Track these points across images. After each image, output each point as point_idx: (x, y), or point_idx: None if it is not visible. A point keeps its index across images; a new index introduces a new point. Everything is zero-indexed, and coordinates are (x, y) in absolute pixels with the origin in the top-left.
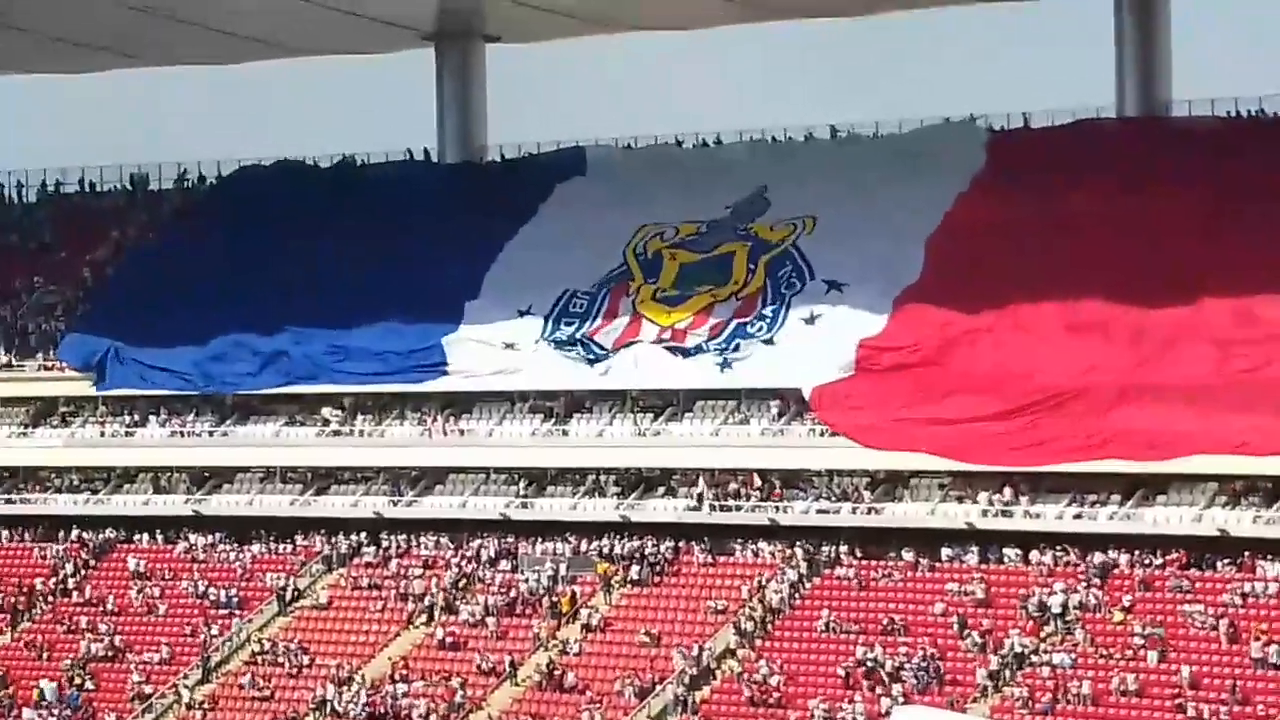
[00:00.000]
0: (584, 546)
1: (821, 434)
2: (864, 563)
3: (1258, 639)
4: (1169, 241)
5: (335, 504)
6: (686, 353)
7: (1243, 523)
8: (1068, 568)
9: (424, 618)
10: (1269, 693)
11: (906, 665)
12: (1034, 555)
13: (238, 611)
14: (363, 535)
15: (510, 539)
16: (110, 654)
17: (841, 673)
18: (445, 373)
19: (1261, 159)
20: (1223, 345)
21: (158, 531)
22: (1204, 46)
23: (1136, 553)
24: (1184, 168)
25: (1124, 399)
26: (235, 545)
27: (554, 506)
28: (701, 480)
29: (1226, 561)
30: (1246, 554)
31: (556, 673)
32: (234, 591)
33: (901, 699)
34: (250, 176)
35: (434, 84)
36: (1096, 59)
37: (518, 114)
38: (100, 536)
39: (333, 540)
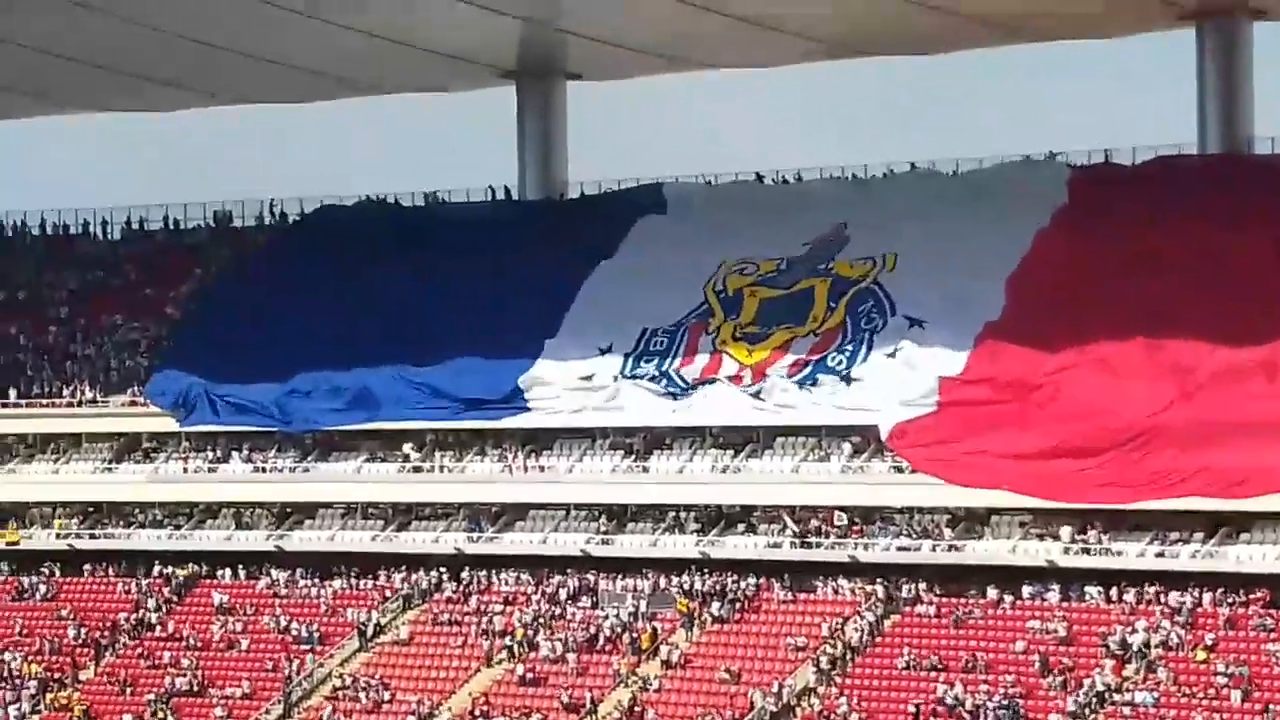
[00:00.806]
0: (664, 583)
1: (901, 470)
2: (944, 600)
3: None
4: (1250, 279)
5: (416, 540)
6: (767, 390)
7: None
8: (1150, 606)
9: (505, 654)
10: None
11: (987, 704)
12: (1115, 593)
13: (319, 647)
14: (443, 571)
15: (590, 575)
16: (193, 689)
17: (922, 711)
18: (525, 409)
19: None
20: None
21: (240, 567)
22: None
23: (1219, 591)
24: (1266, 205)
25: (1206, 437)
26: (317, 580)
27: (634, 543)
28: (786, 517)
29: None
30: None
31: (637, 709)
32: (315, 627)
33: None
34: (332, 214)
35: (515, 121)
36: (1178, 96)
37: (598, 151)
38: (183, 571)
39: (413, 576)
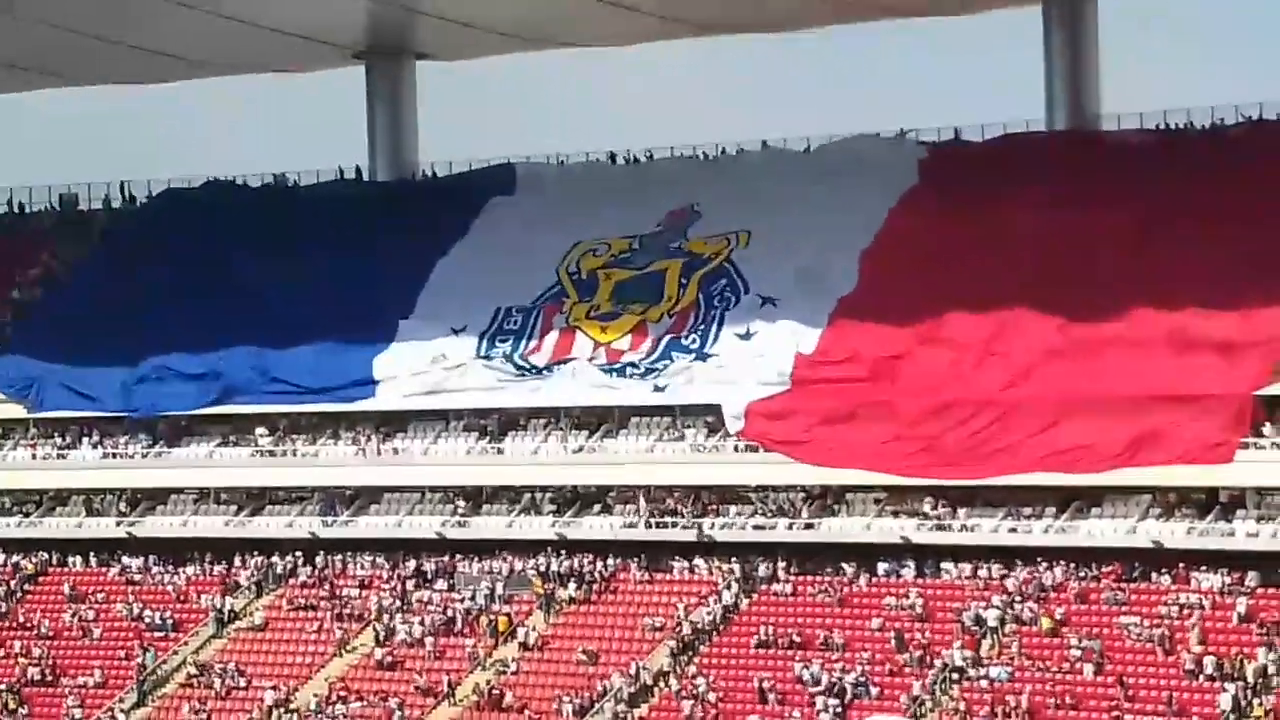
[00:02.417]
0: (520, 565)
1: (755, 449)
2: (800, 578)
3: (1191, 651)
4: (1100, 255)
5: (270, 524)
6: (620, 370)
7: (1176, 534)
8: (1004, 581)
9: (360, 638)
10: (1204, 704)
11: (844, 681)
12: (970, 569)
13: (173, 634)
14: (298, 555)
15: (446, 558)
16: (44, 678)
17: (779, 689)
18: (378, 392)
19: (1190, 172)
20: (1153, 359)
21: (91, 554)
22: (1133, 60)
23: (1072, 565)
24: (1114, 181)
25: (1057, 413)
26: (170, 567)
27: (490, 525)
28: (641, 498)
29: (1161, 573)
30: (1181, 565)
31: (495, 692)
32: (169, 614)
33: (840, 714)
34: (179, 196)
35: (365, 102)
36: (1026, 73)
37: (449, 132)
38: (33, 559)
39: (268, 561)
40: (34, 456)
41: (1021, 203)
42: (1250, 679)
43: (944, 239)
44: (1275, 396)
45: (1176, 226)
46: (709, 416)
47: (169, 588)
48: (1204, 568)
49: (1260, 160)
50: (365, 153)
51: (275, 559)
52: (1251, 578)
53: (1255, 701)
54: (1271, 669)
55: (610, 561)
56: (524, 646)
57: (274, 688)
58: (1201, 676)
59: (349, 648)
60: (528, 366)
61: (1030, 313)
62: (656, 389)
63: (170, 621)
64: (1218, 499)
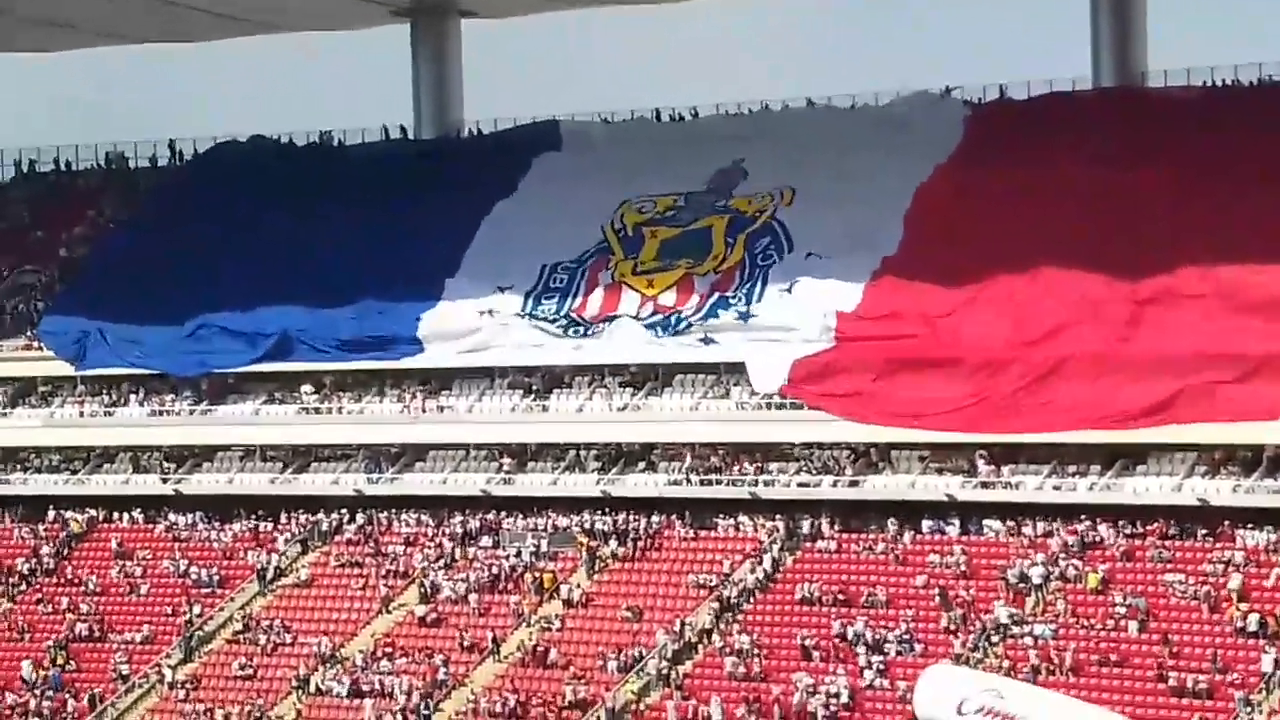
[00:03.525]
0: (565, 522)
1: (801, 407)
2: (845, 535)
3: (1238, 609)
4: (1147, 212)
5: (315, 481)
6: (666, 326)
7: (1222, 492)
8: (1048, 538)
9: (405, 595)
10: (1248, 661)
11: (888, 638)
12: (1014, 526)
13: (219, 590)
14: (344, 512)
15: (491, 515)
16: (92, 634)
17: (823, 646)
18: (423, 349)
19: (1238, 128)
20: (1200, 316)
21: (138, 510)
22: (1181, 16)
23: (1117, 523)
24: (1161, 137)
25: (1104, 370)
26: (216, 524)
27: (534, 482)
28: (686, 455)
29: (1206, 531)
30: (1226, 523)
31: (539, 649)
32: (215, 570)
33: (884, 671)
34: (226, 153)
35: (409, 60)
36: (1072, 29)
37: (495, 89)
38: (81, 516)
39: (314, 518)
40: (81, 414)
41: (1068, 159)
42: None
43: (989, 196)
44: None
45: (1224, 182)
46: None
47: (215, 544)
48: (1250, 525)
49: None
50: (410, 111)
51: (320, 516)
52: None
53: None
54: None
55: (654, 519)
56: (568, 604)
57: (319, 643)
58: (1246, 634)
59: (394, 604)
60: (574, 323)
61: (1076, 271)
62: (706, 341)
63: (216, 578)
64: (1264, 456)
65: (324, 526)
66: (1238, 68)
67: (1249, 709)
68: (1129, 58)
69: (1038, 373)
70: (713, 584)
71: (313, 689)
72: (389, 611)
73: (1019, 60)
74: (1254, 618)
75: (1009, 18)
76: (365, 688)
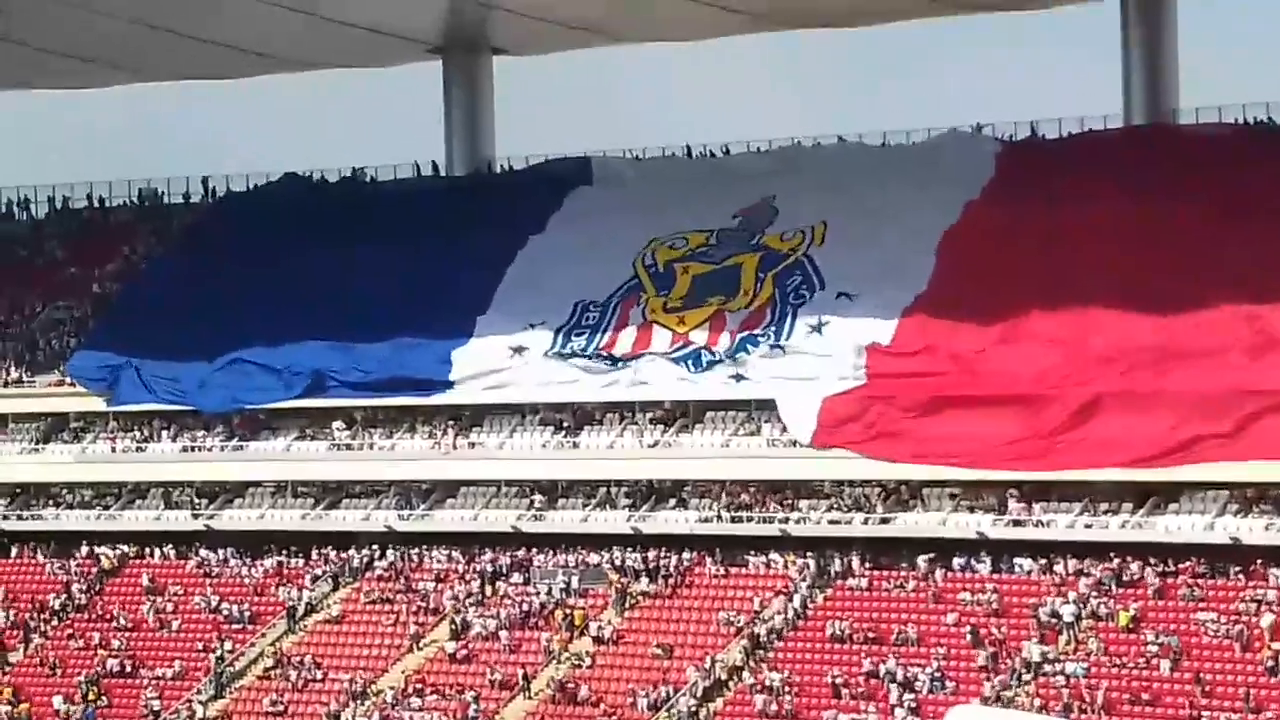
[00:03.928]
0: (595, 558)
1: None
2: (876, 573)
3: (1270, 648)
4: (1178, 249)
5: (346, 518)
6: (697, 363)
7: (1254, 530)
8: (1080, 577)
9: (436, 631)
10: None
11: (920, 676)
12: (1046, 564)
13: (250, 626)
14: (374, 549)
15: (522, 552)
16: (124, 670)
17: (853, 683)
18: (455, 386)
19: (1270, 165)
20: (1232, 354)
21: (169, 546)
22: (1212, 55)
23: (1150, 561)
24: (1191, 175)
25: (1136, 408)
26: (247, 560)
27: (565, 519)
28: (717, 493)
29: (1238, 569)
30: (1259, 562)
31: (569, 685)
32: (246, 606)
33: (915, 709)
34: (259, 192)
35: (441, 97)
36: (1104, 68)
37: (525, 126)
38: (113, 552)
39: (344, 554)
40: (113, 449)
41: (1098, 196)
42: None
43: (1020, 233)
44: None
45: (1256, 220)
46: None
47: (246, 580)
48: None
49: None
50: (442, 147)
51: (351, 552)
52: None
53: None
54: None
55: (685, 556)
56: (598, 640)
57: (350, 680)
58: (1279, 674)
59: (424, 641)
60: (604, 359)
61: (1108, 309)
62: (737, 379)
63: (247, 614)
64: None
65: (355, 563)
66: (1269, 105)
67: None
68: (1160, 96)
69: (1070, 411)
70: (743, 621)
71: None
72: (419, 648)
73: (1050, 99)
74: None
75: (1040, 55)
76: None
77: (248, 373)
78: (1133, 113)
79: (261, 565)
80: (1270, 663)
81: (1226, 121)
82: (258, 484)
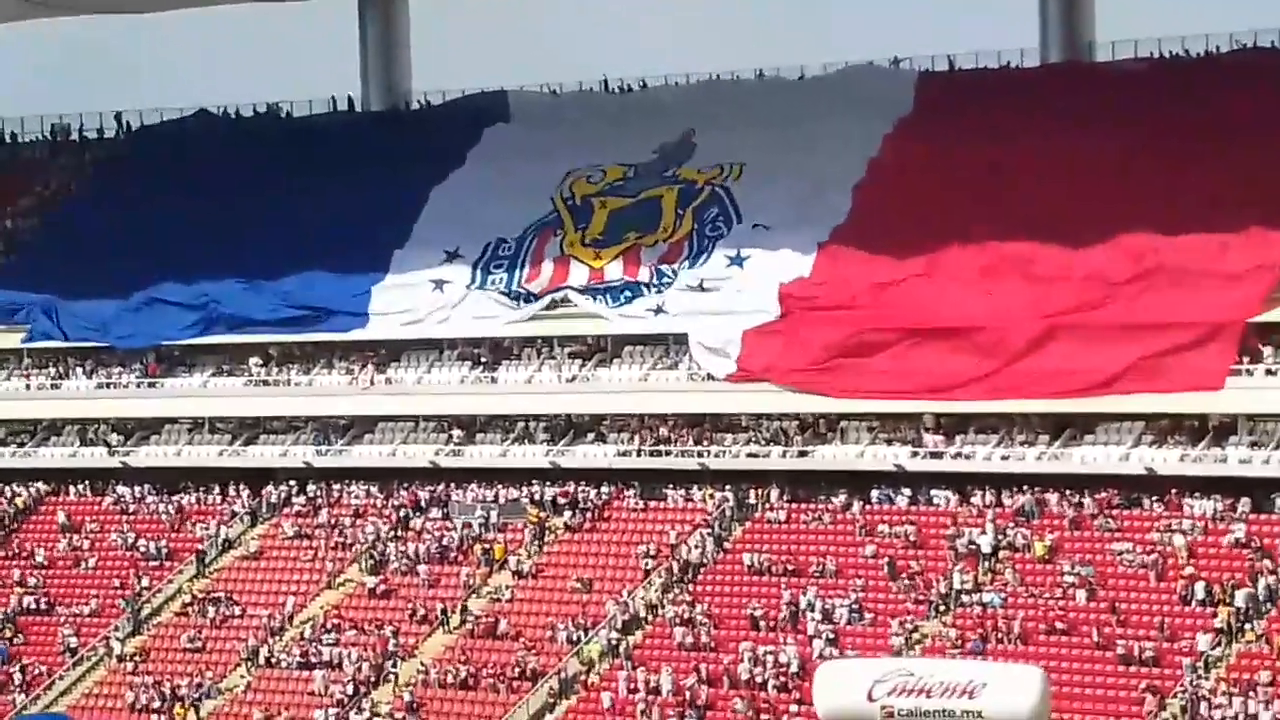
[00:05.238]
0: (514, 493)
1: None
2: (794, 506)
3: (1184, 577)
4: (1094, 183)
5: (264, 454)
6: (615, 298)
7: (1169, 461)
8: (997, 508)
9: (355, 566)
10: (1196, 629)
11: (838, 607)
12: (963, 496)
13: (167, 563)
14: (292, 485)
15: (440, 487)
16: (40, 607)
17: (772, 616)
18: (373, 320)
19: (1184, 99)
20: (1147, 285)
21: (85, 484)
22: None
23: (1066, 492)
24: (1108, 110)
25: (1050, 340)
26: (164, 496)
27: (483, 454)
28: (635, 426)
29: (1153, 499)
30: (1173, 492)
31: (489, 620)
32: (164, 543)
33: (833, 640)
34: (172, 126)
35: (356, 31)
36: (1021, 1)
37: (443, 61)
38: (28, 490)
39: (262, 490)
40: (28, 386)
41: (1015, 131)
42: (1241, 604)
43: (938, 168)
44: (1269, 323)
45: (1170, 154)
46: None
47: (163, 517)
48: (1196, 494)
49: (1255, 87)
50: (358, 82)
51: (269, 488)
52: (1243, 504)
53: (1246, 627)
54: (1262, 595)
55: (604, 490)
56: (518, 575)
57: (269, 616)
58: (1193, 602)
59: (343, 576)
60: (523, 294)
61: (1024, 242)
62: (656, 312)
63: (165, 550)
64: (1210, 426)
65: (273, 499)
66: (1185, 39)
67: (1195, 676)
68: (1076, 29)
69: (985, 343)
70: (662, 555)
71: (262, 661)
72: (338, 584)
73: (967, 32)
74: (1200, 586)
75: None
76: (314, 659)
77: (164, 310)
78: (1049, 45)
79: (178, 501)
80: (1184, 591)
81: (1142, 56)
82: (174, 420)
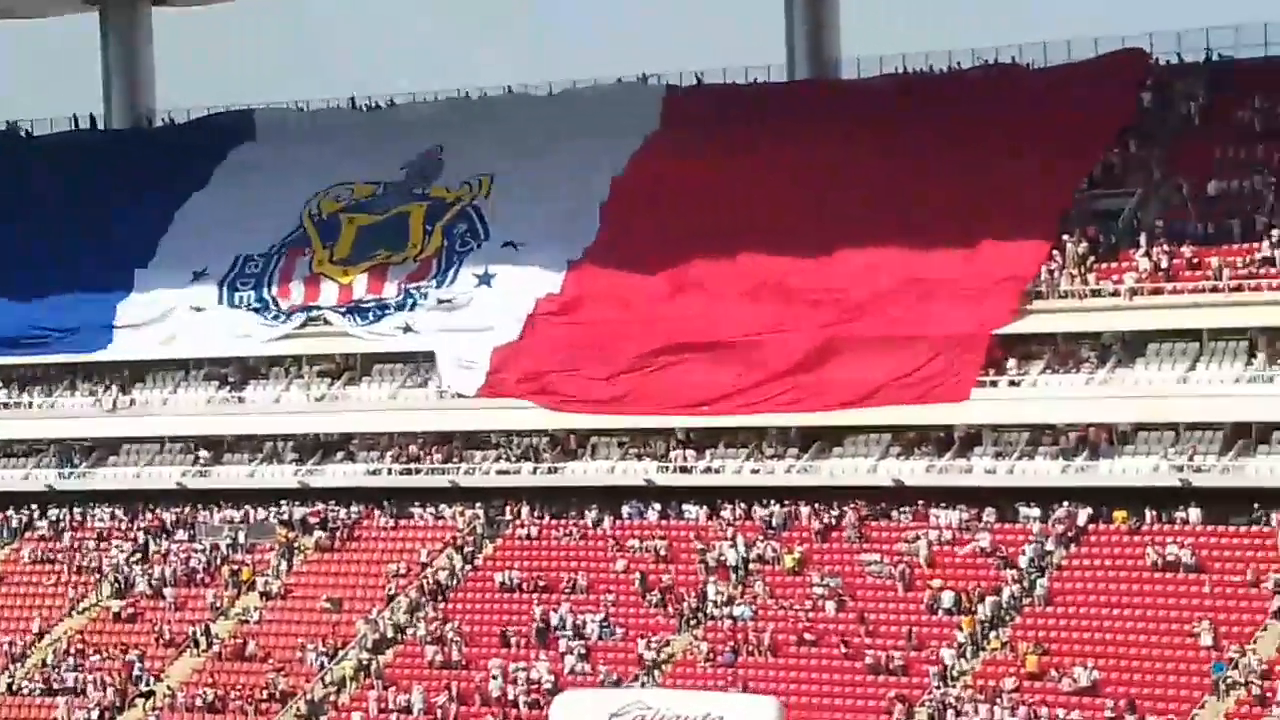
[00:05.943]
0: (263, 514)
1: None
2: (545, 522)
3: (930, 586)
4: (837, 198)
5: (6, 477)
6: (364, 316)
7: (916, 472)
8: (747, 521)
9: (100, 590)
10: (943, 637)
11: (590, 623)
12: (713, 510)
13: None
14: (34, 508)
15: (187, 508)
16: None
17: (525, 632)
18: (117, 340)
19: (928, 115)
20: (892, 299)
21: None
22: (874, 5)
23: (815, 504)
24: (854, 125)
25: (798, 354)
26: None
27: (231, 474)
28: (385, 445)
29: (901, 510)
30: (920, 502)
31: (237, 641)
32: None
33: (585, 656)
34: None
35: (99, 48)
36: (767, 18)
37: (188, 79)
38: None
39: (3, 514)
40: None
41: (764, 146)
42: (987, 612)
43: (686, 183)
44: (1013, 335)
45: (918, 169)
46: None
47: None
48: (943, 504)
49: (999, 101)
50: (100, 100)
51: (11, 512)
52: (988, 514)
53: (992, 635)
54: (1006, 603)
55: (353, 509)
56: (266, 595)
57: (10, 643)
58: (940, 611)
59: (87, 601)
60: (274, 312)
61: (770, 256)
62: (405, 330)
63: None
64: (955, 437)
65: (14, 523)
66: (929, 55)
67: (942, 684)
68: (822, 47)
69: (733, 358)
70: (412, 572)
71: (4, 688)
72: (82, 609)
73: (717, 50)
74: (948, 595)
75: (706, 6)
76: (58, 686)
77: None
78: (796, 62)
79: None
80: (931, 601)
81: (887, 73)
82: None
